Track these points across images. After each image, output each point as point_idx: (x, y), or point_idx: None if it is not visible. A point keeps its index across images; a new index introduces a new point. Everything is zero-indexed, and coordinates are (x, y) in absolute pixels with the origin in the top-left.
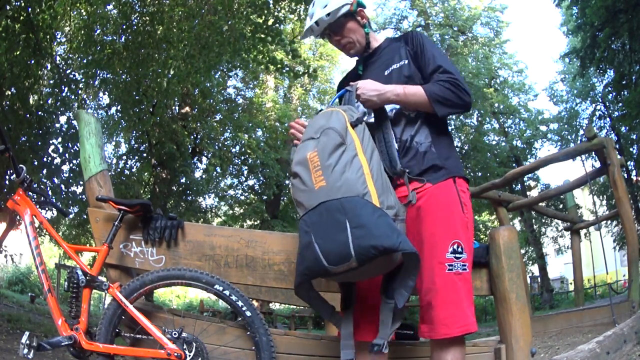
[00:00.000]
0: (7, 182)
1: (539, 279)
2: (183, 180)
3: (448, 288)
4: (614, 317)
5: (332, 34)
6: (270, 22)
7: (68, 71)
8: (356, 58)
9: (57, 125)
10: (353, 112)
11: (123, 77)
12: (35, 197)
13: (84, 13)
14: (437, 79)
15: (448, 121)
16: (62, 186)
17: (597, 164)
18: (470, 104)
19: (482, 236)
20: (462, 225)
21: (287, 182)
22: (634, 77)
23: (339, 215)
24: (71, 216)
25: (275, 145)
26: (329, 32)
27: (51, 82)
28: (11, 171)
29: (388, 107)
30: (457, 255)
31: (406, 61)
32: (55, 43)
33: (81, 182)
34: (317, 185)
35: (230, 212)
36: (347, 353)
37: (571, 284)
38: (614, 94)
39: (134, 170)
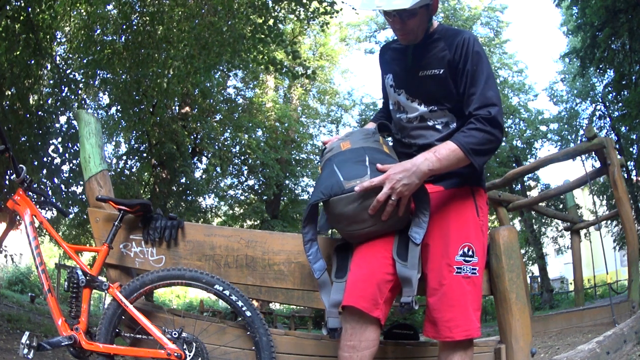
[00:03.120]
0: (7, 182)
1: (539, 279)
2: (183, 180)
3: (454, 291)
4: (614, 317)
5: (399, 18)
6: (270, 23)
7: (68, 71)
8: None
9: (57, 125)
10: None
11: (123, 77)
12: (35, 197)
13: (84, 13)
14: (473, 121)
15: None
16: (62, 186)
17: (597, 164)
18: (502, 139)
19: None
20: (475, 228)
21: (287, 182)
22: (634, 77)
23: (361, 152)
24: (71, 216)
25: (275, 145)
26: (395, 14)
27: (51, 82)
28: (11, 171)
29: (412, 114)
30: (467, 259)
31: (442, 71)
32: (55, 43)
33: (81, 182)
34: (343, 148)
35: (230, 212)
36: (334, 321)
37: (571, 284)
38: (614, 94)
39: (134, 170)
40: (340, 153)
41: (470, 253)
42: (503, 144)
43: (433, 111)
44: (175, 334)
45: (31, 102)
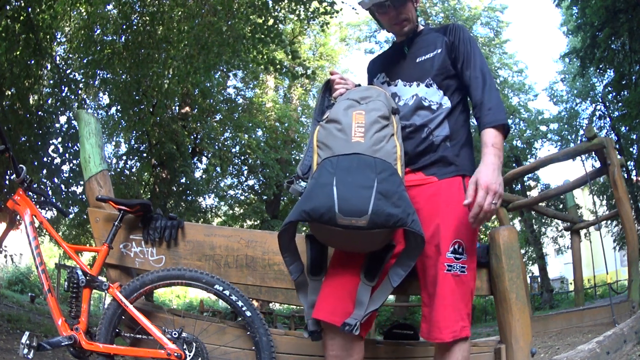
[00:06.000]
0: (7, 182)
1: (539, 279)
2: (183, 180)
3: (444, 290)
4: (614, 317)
5: (392, 7)
6: (270, 23)
7: (68, 71)
8: (390, 40)
9: (57, 125)
10: (392, 101)
11: (123, 77)
12: (35, 197)
13: (84, 13)
14: (479, 95)
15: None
16: (62, 186)
17: (597, 164)
18: None
19: (482, 236)
20: (466, 224)
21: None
22: (634, 77)
23: (370, 172)
24: (71, 216)
25: (275, 145)
26: (389, 4)
27: (51, 82)
28: (11, 171)
29: (409, 95)
30: (457, 256)
31: (439, 50)
32: (55, 43)
33: (81, 182)
34: (354, 138)
35: (230, 212)
36: (314, 323)
37: (571, 284)
38: (614, 94)
39: (134, 170)
40: (346, 159)
41: (460, 250)
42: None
43: (429, 85)
44: (175, 334)
45: (31, 102)
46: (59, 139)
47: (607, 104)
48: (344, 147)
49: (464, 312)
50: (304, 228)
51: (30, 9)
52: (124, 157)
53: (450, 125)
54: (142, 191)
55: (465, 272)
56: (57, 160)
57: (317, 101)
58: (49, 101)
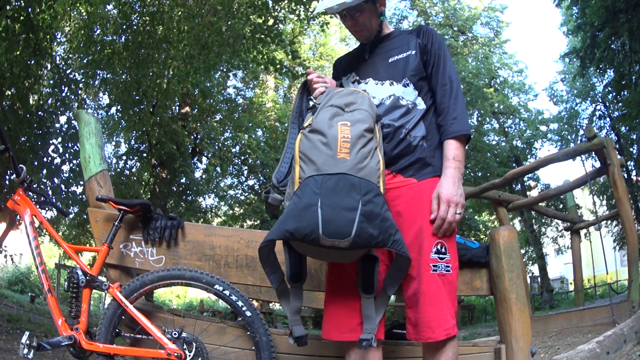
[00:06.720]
0: (7, 182)
1: (539, 279)
2: (183, 180)
3: (432, 290)
4: (614, 317)
5: (349, 15)
6: (270, 23)
7: (68, 71)
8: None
9: (57, 125)
10: (375, 107)
11: (123, 77)
12: (35, 197)
13: (84, 13)
14: (444, 102)
15: None
16: (62, 186)
17: (597, 164)
18: None
19: (482, 236)
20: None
21: None
22: (634, 77)
23: (355, 194)
24: (71, 216)
25: (275, 145)
26: (345, 14)
27: (51, 82)
28: (11, 171)
29: (385, 94)
30: (441, 256)
31: (413, 52)
32: (55, 43)
33: (81, 182)
34: (339, 155)
35: (230, 212)
36: (299, 329)
37: (571, 284)
38: (614, 94)
39: (134, 170)
40: (332, 179)
41: (443, 250)
42: (503, 144)
43: (406, 85)
44: (175, 334)
45: (31, 102)
46: (59, 139)
47: (607, 104)
48: (329, 164)
49: (452, 310)
50: None
51: (30, 9)
52: (124, 157)
53: (426, 125)
54: (142, 191)
55: (450, 271)
56: (57, 160)
57: (295, 103)
58: (49, 101)
